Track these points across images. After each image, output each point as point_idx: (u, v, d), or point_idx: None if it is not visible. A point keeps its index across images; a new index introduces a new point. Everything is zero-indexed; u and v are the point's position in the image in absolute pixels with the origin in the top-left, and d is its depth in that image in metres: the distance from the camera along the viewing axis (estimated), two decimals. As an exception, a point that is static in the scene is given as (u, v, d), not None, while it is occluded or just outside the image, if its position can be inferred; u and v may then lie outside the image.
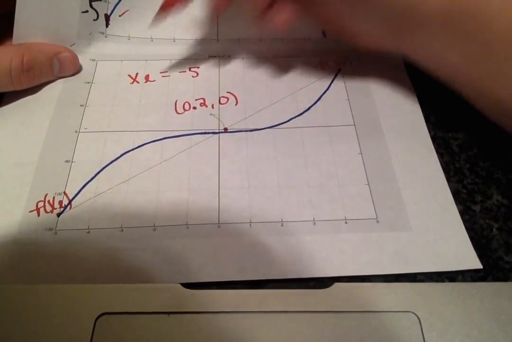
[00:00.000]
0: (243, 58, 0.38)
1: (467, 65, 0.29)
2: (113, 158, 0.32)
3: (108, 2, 0.37)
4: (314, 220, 0.29)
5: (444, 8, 0.28)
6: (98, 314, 0.24)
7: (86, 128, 0.33)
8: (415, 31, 0.30)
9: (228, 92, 0.36)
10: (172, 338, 0.23)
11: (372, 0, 0.29)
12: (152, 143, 0.33)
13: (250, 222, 0.29)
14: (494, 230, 0.29)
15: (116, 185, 0.30)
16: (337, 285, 0.25)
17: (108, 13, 0.37)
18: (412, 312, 0.24)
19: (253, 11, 0.32)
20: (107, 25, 0.37)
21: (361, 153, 0.32)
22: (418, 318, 0.24)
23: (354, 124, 0.34)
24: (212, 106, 0.35)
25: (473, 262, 0.27)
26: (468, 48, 0.28)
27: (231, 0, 0.31)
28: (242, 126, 0.34)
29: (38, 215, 0.29)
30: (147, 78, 0.37)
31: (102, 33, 0.38)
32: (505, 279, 0.27)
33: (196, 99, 0.35)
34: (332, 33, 0.37)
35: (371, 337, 0.23)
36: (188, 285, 0.25)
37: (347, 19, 0.32)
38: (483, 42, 0.27)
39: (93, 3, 0.36)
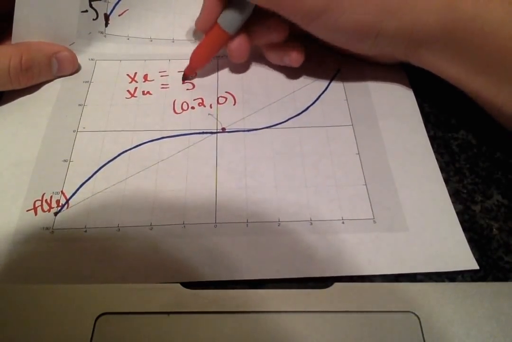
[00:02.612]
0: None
1: (467, 77, 0.30)
2: (111, 158, 0.32)
3: (108, 2, 0.37)
4: (311, 220, 0.29)
5: (445, 27, 0.28)
6: (98, 314, 0.24)
7: (84, 127, 0.33)
8: (418, 50, 0.31)
9: (226, 92, 0.36)
10: (172, 338, 0.23)
11: (377, 27, 0.29)
12: (150, 143, 0.33)
13: (247, 222, 0.29)
14: (494, 230, 0.29)
15: (114, 184, 0.30)
16: (337, 285, 0.25)
17: (108, 13, 0.37)
18: (412, 312, 0.24)
19: (266, 49, 0.35)
20: (106, 24, 0.37)
21: (358, 153, 0.32)
22: (418, 318, 0.24)
23: (352, 125, 0.34)
24: (210, 106, 0.35)
25: (469, 263, 0.27)
26: (469, 62, 0.29)
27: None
28: (240, 126, 0.34)
29: (35, 214, 0.29)
30: (145, 77, 0.36)
31: (101, 32, 0.38)
32: (505, 279, 0.27)
33: (194, 99, 0.35)
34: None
35: (371, 337, 0.23)
36: (188, 285, 0.25)
37: (355, 48, 0.33)
38: (484, 55, 0.28)
39: (92, 3, 0.36)
